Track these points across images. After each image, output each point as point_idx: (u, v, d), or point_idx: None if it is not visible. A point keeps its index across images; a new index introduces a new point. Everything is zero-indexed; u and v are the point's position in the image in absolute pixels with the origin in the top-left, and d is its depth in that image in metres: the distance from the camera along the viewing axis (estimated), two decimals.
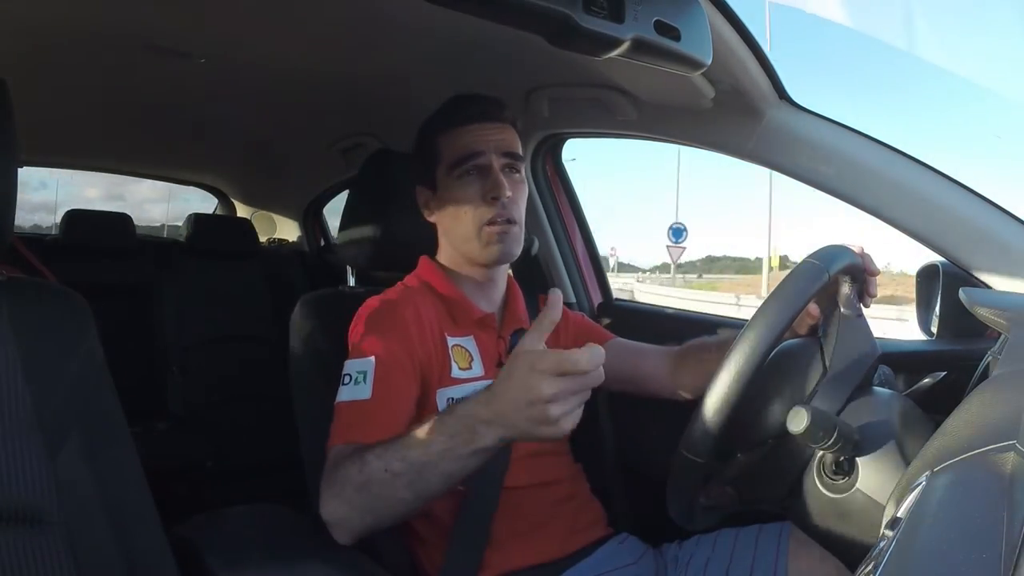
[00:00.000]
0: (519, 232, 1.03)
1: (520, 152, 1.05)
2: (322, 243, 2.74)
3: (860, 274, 0.84)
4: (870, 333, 0.83)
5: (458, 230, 1.04)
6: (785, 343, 0.84)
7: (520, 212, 1.03)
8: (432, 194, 1.07)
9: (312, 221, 2.74)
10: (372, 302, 1.02)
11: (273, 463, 1.54)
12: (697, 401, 0.74)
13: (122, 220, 2.34)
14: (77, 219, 2.28)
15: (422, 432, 0.76)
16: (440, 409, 0.98)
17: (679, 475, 0.76)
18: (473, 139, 1.02)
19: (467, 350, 1.04)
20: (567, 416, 0.68)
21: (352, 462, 0.80)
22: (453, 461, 0.74)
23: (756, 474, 0.77)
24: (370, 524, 0.81)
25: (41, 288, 0.81)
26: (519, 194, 1.03)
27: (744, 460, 0.78)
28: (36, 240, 2.26)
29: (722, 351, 0.75)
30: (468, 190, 1.01)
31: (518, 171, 1.04)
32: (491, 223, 1.00)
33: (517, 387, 0.68)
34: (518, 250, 1.04)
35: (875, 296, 0.87)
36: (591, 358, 0.66)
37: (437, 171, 1.05)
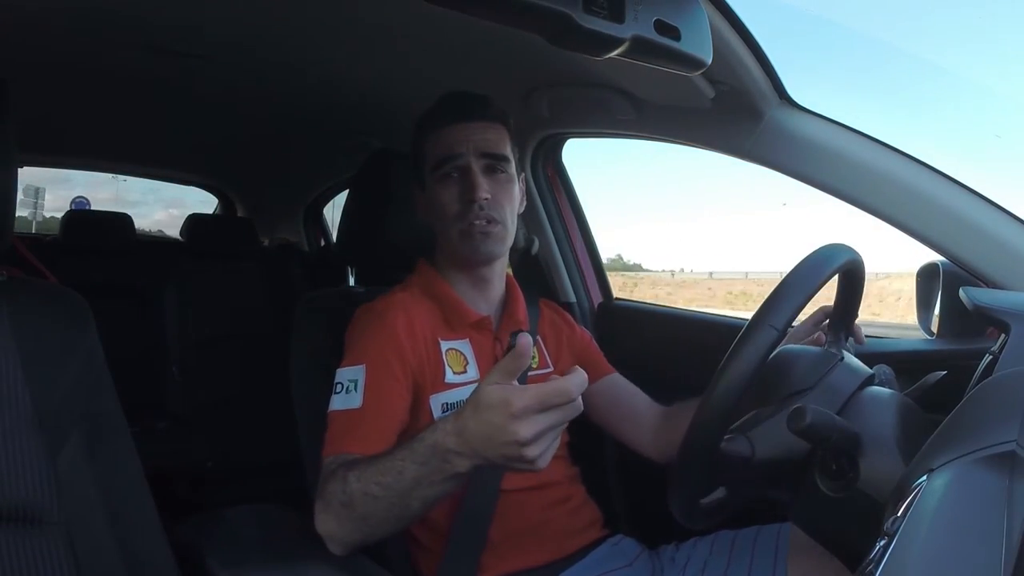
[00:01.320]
0: (502, 231, 1.02)
1: (503, 151, 1.03)
2: (322, 243, 2.74)
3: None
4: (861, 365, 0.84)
5: (442, 231, 1.05)
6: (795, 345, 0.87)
7: (504, 211, 1.02)
8: (422, 194, 1.07)
9: (312, 221, 2.74)
10: (363, 310, 1.02)
11: (273, 463, 1.53)
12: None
13: (122, 220, 2.34)
14: (77, 219, 2.28)
15: (395, 459, 0.75)
16: (434, 414, 0.98)
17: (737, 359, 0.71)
18: (453, 140, 1.01)
19: (462, 353, 1.03)
20: (543, 456, 0.66)
21: (337, 480, 0.80)
22: (428, 487, 0.73)
23: (769, 429, 0.75)
24: (359, 539, 0.81)
25: (41, 288, 0.81)
26: (503, 193, 1.02)
27: (755, 414, 0.77)
28: (36, 240, 2.26)
29: None
30: (448, 191, 1.01)
31: (503, 170, 1.03)
32: (470, 224, 1.00)
33: (490, 429, 0.65)
34: (501, 249, 1.04)
35: (863, 343, 0.93)
36: (579, 383, 0.63)
37: (424, 171, 1.05)
